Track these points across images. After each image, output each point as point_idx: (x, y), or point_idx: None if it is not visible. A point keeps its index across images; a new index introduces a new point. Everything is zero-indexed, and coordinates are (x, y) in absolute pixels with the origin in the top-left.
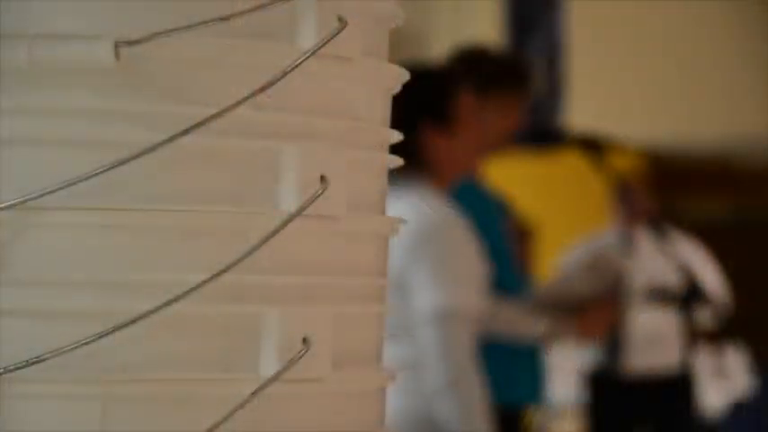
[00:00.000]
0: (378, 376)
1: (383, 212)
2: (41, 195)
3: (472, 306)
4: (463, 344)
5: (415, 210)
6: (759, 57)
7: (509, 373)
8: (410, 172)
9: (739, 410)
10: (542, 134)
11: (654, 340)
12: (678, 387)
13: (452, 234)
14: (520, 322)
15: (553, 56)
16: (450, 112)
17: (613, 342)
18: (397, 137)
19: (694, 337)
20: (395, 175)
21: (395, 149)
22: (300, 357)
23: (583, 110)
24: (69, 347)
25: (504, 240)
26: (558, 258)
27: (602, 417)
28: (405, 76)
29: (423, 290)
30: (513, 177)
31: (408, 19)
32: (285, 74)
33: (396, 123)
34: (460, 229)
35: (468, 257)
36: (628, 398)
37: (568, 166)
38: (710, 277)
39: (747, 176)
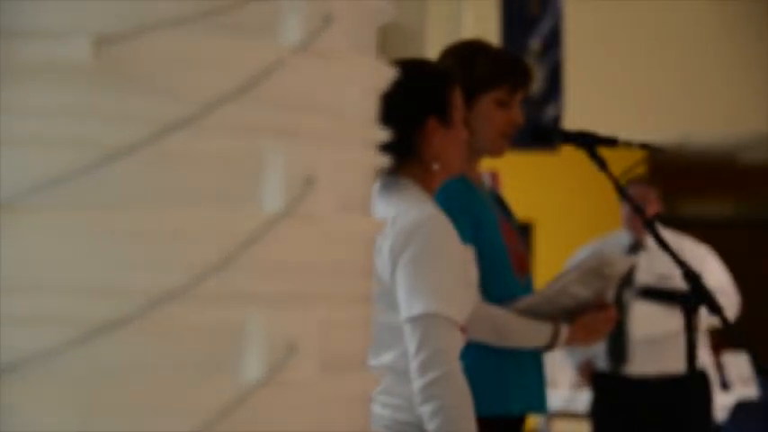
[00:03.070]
0: (365, 380)
1: (369, 213)
2: (18, 195)
3: (455, 308)
4: (446, 346)
5: (398, 210)
6: (760, 54)
7: (509, 381)
8: (399, 169)
9: (743, 411)
10: (540, 132)
11: (659, 341)
12: (686, 388)
13: (434, 235)
14: (523, 332)
15: (551, 53)
16: (450, 108)
17: (618, 343)
18: (385, 135)
19: (696, 338)
20: (381, 173)
21: (392, 146)
22: (286, 361)
23: (581, 108)
24: (48, 353)
25: (501, 239)
26: (564, 258)
27: (608, 418)
28: (393, 73)
29: (404, 293)
30: (511, 174)
31: (406, 16)
32: (270, 71)
33: (399, 119)
34: (443, 230)
35: (450, 259)
36: (634, 399)
37: (566, 165)
38: (720, 277)
39: (749, 175)
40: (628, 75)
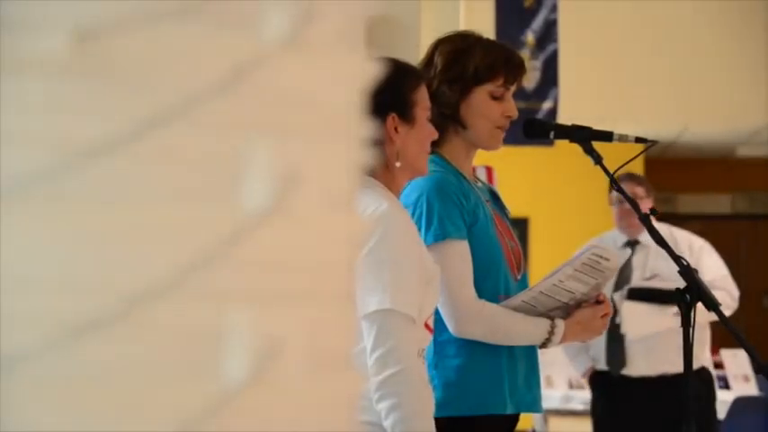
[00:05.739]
0: (351, 380)
1: (354, 210)
2: None
3: (410, 304)
4: (401, 343)
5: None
6: (758, 48)
7: (503, 380)
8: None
9: (742, 406)
10: (535, 127)
11: (653, 341)
12: (687, 385)
13: (388, 233)
14: (519, 329)
15: (546, 47)
16: (412, 106)
17: (614, 347)
18: (369, 131)
19: (692, 334)
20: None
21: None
22: (270, 361)
23: (576, 102)
24: (29, 352)
25: (496, 235)
26: (559, 254)
27: (608, 417)
28: (378, 68)
29: (359, 291)
30: (506, 170)
31: (400, 10)
32: (253, 66)
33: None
34: (397, 227)
35: (405, 256)
36: (634, 397)
37: (562, 160)
38: (717, 271)
39: (747, 170)
40: (623, 69)
